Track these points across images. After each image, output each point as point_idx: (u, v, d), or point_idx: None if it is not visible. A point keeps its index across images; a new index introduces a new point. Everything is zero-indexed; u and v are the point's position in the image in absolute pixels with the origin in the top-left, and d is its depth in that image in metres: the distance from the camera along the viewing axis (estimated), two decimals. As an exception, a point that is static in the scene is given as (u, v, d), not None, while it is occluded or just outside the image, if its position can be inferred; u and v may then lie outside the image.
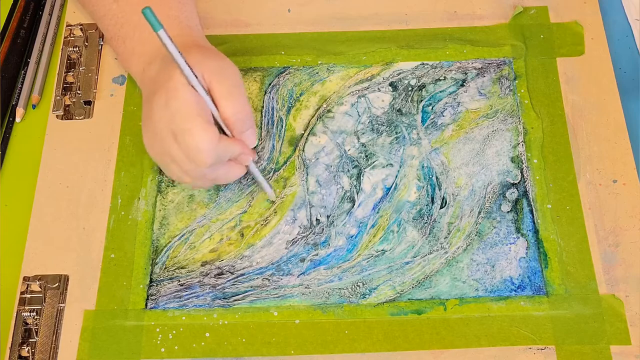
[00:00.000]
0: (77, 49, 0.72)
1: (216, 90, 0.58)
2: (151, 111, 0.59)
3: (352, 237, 0.64)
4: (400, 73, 0.71)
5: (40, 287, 0.62)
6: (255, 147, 0.64)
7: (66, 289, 0.62)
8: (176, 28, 0.63)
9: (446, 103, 0.69)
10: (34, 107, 0.71)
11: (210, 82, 0.58)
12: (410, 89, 0.70)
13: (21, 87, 0.71)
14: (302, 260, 0.63)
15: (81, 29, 0.73)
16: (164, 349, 0.60)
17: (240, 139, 0.60)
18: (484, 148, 0.67)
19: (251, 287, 0.62)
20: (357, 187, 0.66)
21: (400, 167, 0.67)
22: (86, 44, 0.73)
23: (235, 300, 0.61)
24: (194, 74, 0.56)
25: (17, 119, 0.70)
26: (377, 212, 0.65)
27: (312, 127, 0.69)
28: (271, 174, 0.67)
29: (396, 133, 0.68)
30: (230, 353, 0.60)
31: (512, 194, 0.65)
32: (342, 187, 0.66)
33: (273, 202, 0.65)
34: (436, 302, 0.61)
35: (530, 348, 0.59)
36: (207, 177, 0.61)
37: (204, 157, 0.57)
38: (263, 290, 0.62)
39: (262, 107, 0.70)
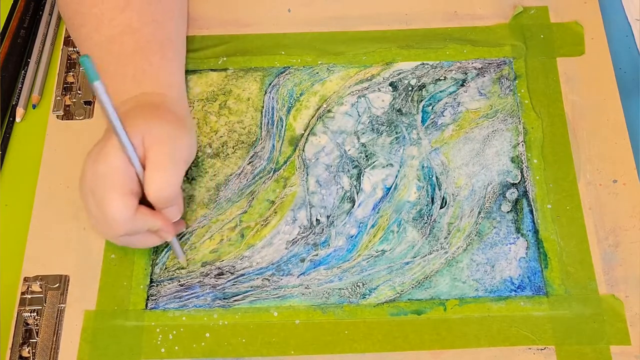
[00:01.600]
0: (77, 48, 0.72)
1: (150, 160, 0.56)
2: (84, 164, 0.58)
3: (352, 237, 0.64)
4: (400, 73, 0.71)
5: (40, 288, 0.62)
6: (182, 218, 0.63)
7: (67, 290, 0.62)
8: (149, 85, 0.62)
9: (446, 103, 0.69)
10: (34, 107, 0.71)
11: (148, 149, 0.56)
12: (410, 89, 0.70)
13: (21, 87, 0.71)
14: (302, 260, 0.63)
15: (81, 29, 0.73)
16: (164, 349, 0.60)
17: (163, 212, 0.59)
18: (484, 148, 0.67)
19: (251, 287, 0.62)
20: (357, 187, 0.66)
21: (400, 167, 0.67)
22: (86, 44, 0.73)
23: (236, 300, 0.62)
24: (128, 139, 0.54)
25: (17, 119, 0.70)
26: (377, 212, 0.65)
27: (312, 127, 0.69)
28: (271, 174, 0.67)
29: (396, 133, 0.68)
30: (230, 353, 0.60)
31: (512, 194, 0.65)
32: (342, 187, 0.66)
33: (183, 267, 0.64)
34: (436, 302, 0.61)
35: (530, 348, 0.59)
36: (120, 241, 0.60)
37: (116, 227, 0.56)
38: (263, 291, 0.62)
39: (262, 107, 0.70)
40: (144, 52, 0.63)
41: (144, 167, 0.56)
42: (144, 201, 0.58)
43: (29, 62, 0.73)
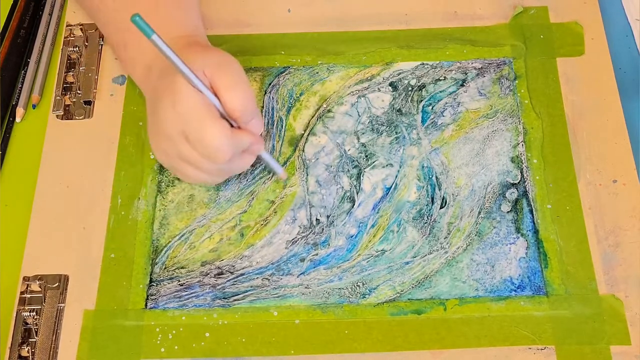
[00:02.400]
0: (77, 48, 0.72)
1: (218, 84, 0.58)
2: (158, 116, 0.59)
3: (352, 237, 0.64)
4: (400, 73, 0.71)
5: (40, 287, 0.62)
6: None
7: (66, 289, 0.62)
8: (175, 30, 0.63)
9: (446, 103, 0.69)
10: (34, 107, 0.71)
11: (212, 77, 0.58)
12: (410, 89, 0.70)
13: (21, 87, 0.71)
14: (302, 260, 0.63)
15: (81, 29, 0.73)
16: (163, 348, 0.60)
17: (247, 128, 0.60)
18: (484, 148, 0.67)
19: (251, 287, 0.62)
20: (357, 187, 0.66)
21: (400, 167, 0.67)
22: (86, 44, 0.73)
23: (235, 300, 0.61)
24: (193, 73, 0.56)
25: (17, 119, 0.70)
26: (377, 212, 0.65)
27: (312, 127, 0.69)
28: (271, 174, 0.67)
29: (396, 133, 0.68)
30: (230, 353, 0.60)
31: (512, 194, 0.65)
32: (342, 187, 0.66)
33: (285, 183, 0.66)
34: (436, 302, 0.61)
35: (530, 348, 0.59)
36: (223, 171, 0.62)
37: (221, 153, 0.57)
38: (263, 290, 0.62)
39: (262, 107, 0.70)
40: (163, 4, 0.65)
41: (215, 95, 0.58)
42: None
43: (29, 62, 0.73)
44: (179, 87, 0.57)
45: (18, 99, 0.71)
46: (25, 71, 0.72)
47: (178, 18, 0.65)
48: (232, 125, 0.59)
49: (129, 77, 0.71)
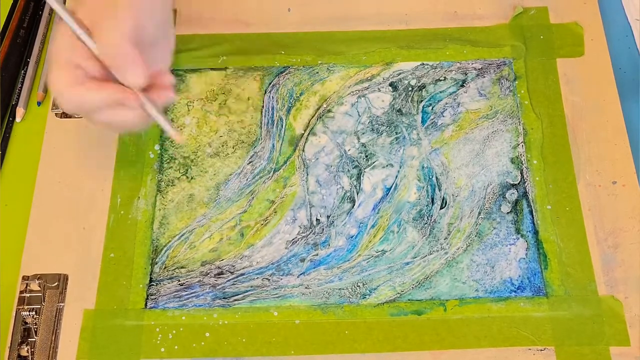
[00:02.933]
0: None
1: (95, 27, 0.53)
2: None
3: (352, 237, 0.64)
4: (400, 73, 0.71)
5: (39, 287, 0.61)
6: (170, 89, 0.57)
7: (65, 288, 0.62)
8: None
9: (446, 103, 0.69)
10: (39, 104, 0.70)
11: (92, 23, 0.53)
12: (410, 89, 0.70)
13: (21, 87, 0.71)
14: (302, 260, 0.63)
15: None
16: (163, 348, 0.60)
17: (124, 80, 0.53)
18: (484, 149, 0.67)
19: (251, 287, 0.62)
20: (357, 187, 0.66)
21: (400, 167, 0.67)
22: (86, 42, 0.72)
23: (235, 300, 0.61)
24: (66, 10, 0.52)
25: (17, 119, 0.70)
26: (377, 213, 0.65)
27: (312, 127, 0.69)
28: (271, 173, 0.67)
29: (396, 133, 0.68)
30: (230, 353, 0.60)
31: (512, 195, 0.65)
32: (342, 187, 0.66)
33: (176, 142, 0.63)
34: (436, 302, 0.61)
35: (529, 349, 0.59)
36: (95, 121, 0.55)
37: (61, 100, 0.53)
38: (263, 290, 0.62)
39: (262, 106, 0.70)
40: None
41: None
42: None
43: (29, 61, 0.72)
44: (59, 26, 0.53)
45: (18, 98, 0.71)
46: (25, 71, 0.72)
47: None
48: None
49: None
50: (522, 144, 0.67)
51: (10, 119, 0.70)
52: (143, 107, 0.54)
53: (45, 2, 0.76)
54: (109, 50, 0.52)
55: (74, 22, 0.53)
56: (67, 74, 0.52)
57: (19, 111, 0.70)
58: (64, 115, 0.69)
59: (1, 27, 0.74)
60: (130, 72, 0.53)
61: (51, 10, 0.75)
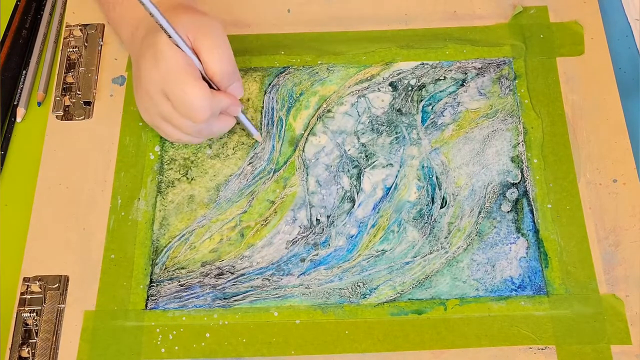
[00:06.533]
0: (76, 49, 0.72)
1: (200, 46, 0.59)
2: (140, 75, 0.61)
3: (352, 237, 0.64)
4: (400, 73, 0.71)
5: (40, 288, 0.62)
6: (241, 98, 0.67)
7: (66, 290, 0.62)
8: None
9: (446, 103, 0.69)
10: (39, 104, 0.71)
11: (194, 39, 0.59)
12: (410, 88, 0.70)
13: (22, 87, 0.71)
14: (303, 260, 0.63)
15: (81, 30, 0.73)
16: (164, 349, 0.60)
17: (228, 91, 0.62)
18: (484, 148, 0.67)
19: (251, 287, 0.62)
20: (357, 187, 0.66)
21: (400, 167, 0.67)
22: (86, 44, 0.73)
23: (236, 300, 0.61)
24: (176, 32, 0.57)
25: (18, 119, 0.70)
26: (378, 212, 0.65)
27: (312, 127, 0.69)
28: (271, 174, 0.67)
29: (396, 133, 0.68)
30: (230, 353, 0.59)
31: (512, 194, 0.65)
32: (342, 187, 0.66)
33: (259, 143, 0.68)
34: (436, 302, 0.61)
35: (530, 348, 0.59)
36: (202, 132, 0.63)
37: (200, 113, 0.59)
38: (263, 291, 0.62)
39: (262, 107, 0.70)
40: None
41: (197, 57, 0.60)
42: None
43: (30, 62, 0.73)
44: (162, 46, 0.58)
45: (19, 99, 0.71)
46: (27, 71, 0.72)
47: None
48: (212, 88, 0.61)
49: (129, 77, 0.71)
50: (522, 142, 0.67)
51: (12, 119, 0.70)
52: (237, 115, 0.65)
53: (46, 3, 0.76)
54: (221, 70, 0.60)
55: (188, 47, 0.59)
56: (204, 86, 0.59)
57: (20, 111, 0.70)
58: (65, 117, 0.69)
59: (3, 27, 0.74)
60: (236, 86, 0.62)
61: (52, 11, 0.75)
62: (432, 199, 0.65)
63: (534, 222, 0.64)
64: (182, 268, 0.63)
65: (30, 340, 0.60)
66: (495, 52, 0.72)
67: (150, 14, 0.56)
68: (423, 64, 0.71)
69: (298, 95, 0.70)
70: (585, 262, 0.62)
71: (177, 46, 0.58)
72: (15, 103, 0.71)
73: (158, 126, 0.64)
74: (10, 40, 0.73)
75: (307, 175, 0.66)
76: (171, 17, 0.58)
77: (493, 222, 0.64)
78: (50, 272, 0.62)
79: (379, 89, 0.70)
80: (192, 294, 0.62)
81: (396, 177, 0.66)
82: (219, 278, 0.62)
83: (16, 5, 0.76)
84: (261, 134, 0.68)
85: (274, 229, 0.64)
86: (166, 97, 0.59)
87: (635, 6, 0.73)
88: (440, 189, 0.66)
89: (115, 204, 0.65)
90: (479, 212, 0.64)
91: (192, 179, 0.66)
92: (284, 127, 0.69)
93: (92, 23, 0.73)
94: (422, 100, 0.70)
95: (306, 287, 0.62)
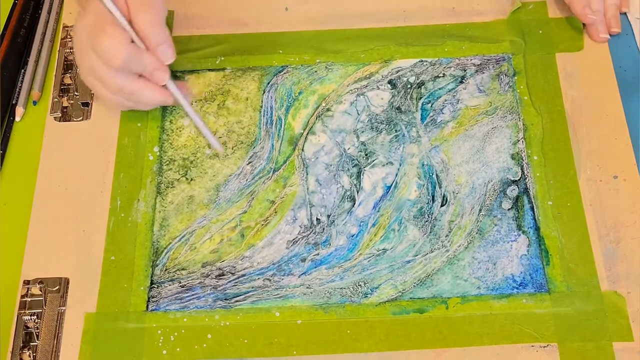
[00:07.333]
0: (74, 50, 0.72)
1: (131, 5, 0.61)
2: (76, 30, 0.64)
3: (353, 236, 0.64)
4: (399, 70, 0.71)
5: (40, 291, 0.61)
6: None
7: (67, 292, 0.62)
8: None
9: (445, 100, 0.69)
10: (34, 103, 0.70)
11: (129, 3, 0.61)
12: (409, 86, 0.70)
13: (21, 86, 0.71)
14: (303, 260, 0.63)
15: (78, 30, 0.73)
16: (165, 351, 0.59)
17: (159, 56, 0.63)
18: (484, 145, 0.67)
19: (252, 287, 0.62)
20: (358, 186, 0.66)
21: (400, 165, 0.66)
22: (83, 44, 0.72)
23: (237, 301, 0.61)
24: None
25: (17, 118, 0.70)
26: (378, 211, 0.65)
27: (312, 126, 0.68)
28: (271, 173, 0.66)
29: (396, 131, 0.68)
30: (232, 354, 0.59)
31: (512, 191, 0.65)
32: (342, 186, 0.66)
33: (217, 155, 0.67)
34: (438, 300, 0.61)
35: (532, 346, 0.59)
36: (124, 90, 0.63)
37: (114, 55, 0.60)
38: (264, 291, 0.62)
39: (261, 106, 0.69)
40: None
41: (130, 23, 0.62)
42: None
43: (29, 60, 0.72)
44: (92, 4, 0.61)
45: (18, 97, 0.71)
46: (25, 70, 0.72)
47: None
48: None
49: None
50: (522, 139, 0.67)
51: (11, 118, 0.70)
52: (165, 83, 0.64)
53: (44, 1, 0.75)
54: (148, 25, 0.61)
55: (116, 9, 0.61)
56: (122, 32, 0.61)
57: (19, 110, 0.70)
58: (63, 118, 0.69)
59: (1, 26, 0.74)
60: (164, 48, 0.63)
61: (50, 9, 0.75)
62: (433, 197, 0.65)
63: (535, 220, 0.64)
64: (183, 269, 0.63)
65: (31, 343, 0.60)
66: (495, 48, 0.72)
67: None
68: (422, 61, 0.71)
69: (297, 94, 0.70)
70: (587, 259, 0.62)
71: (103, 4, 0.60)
72: (14, 102, 0.71)
73: (89, 84, 0.65)
74: (9, 39, 0.73)
75: (307, 174, 0.66)
76: None
77: (494, 219, 0.64)
78: (51, 274, 0.62)
79: (378, 87, 0.70)
80: (193, 295, 0.62)
81: (396, 175, 0.66)
82: (220, 279, 0.62)
83: (14, 4, 0.75)
84: (259, 134, 0.68)
85: (274, 229, 0.64)
86: (91, 47, 0.61)
87: (635, 5, 0.73)
88: (440, 187, 0.65)
89: (115, 205, 0.65)
90: (480, 210, 0.64)
91: (191, 180, 0.66)
92: (283, 126, 0.69)
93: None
94: (421, 98, 0.69)
95: (307, 287, 0.62)
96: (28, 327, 0.61)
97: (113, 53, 0.60)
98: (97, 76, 0.63)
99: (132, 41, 0.62)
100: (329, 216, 0.64)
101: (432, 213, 0.64)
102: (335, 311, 0.61)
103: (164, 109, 0.69)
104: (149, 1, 0.62)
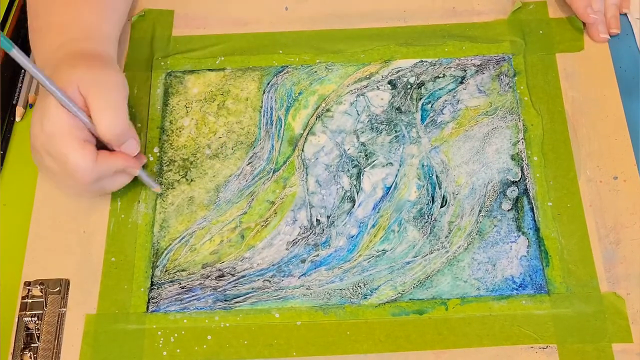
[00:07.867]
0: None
1: (91, 104, 0.58)
2: (31, 128, 0.59)
3: (352, 237, 0.64)
4: (399, 71, 0.71)
5: (41, 292, 0.62)
6: (143, 153, 0.66)
7: (67, 293, 0.62)
8: (75, 32, 0.64)
9: (445, 101, 0.69)
10: (30, 106, 0.70)
11: (87, 95, 0.58)
12: (409, 86, 0.70)
13: (21, 86, 0.71)
14: (303, 261, 0.63)
15: (78, 30, 0.73)
16: (165, 352, 0.60)
17: (121, 151, 0.61)
18: (484, 146, 0.67)
19: (252, 288, 0.62)
20: (357, 187, 0.66)
21: (400, 166, 0.66)
22: (83, 45, 0.72)
23: (237, 302, 0.61)
24: (61, 91, 0.56)
25: (17, 118, 0.70)
26: (378, 212, 0.65)
27: (311, 127, 0.68)
28: (271, 174, 0.66)
29: (396, 132, 0.68)
30: (232, 355, 0.60)
31: (512, 192, 0.65)
32: (342, 187, 0.66)
33: (159, 194, 0.66)
34: (437, 301, 0.61)
35: (532, 347, 0.59)
36: (90, 190, 0.62)
37: (83, 177, 0.58)
38: (264, 292, 0.62)
39: (261, 106, 0.69)
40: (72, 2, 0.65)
41: (88, 116, 0.58)
42: (100, 147, 0.60)
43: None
44: (48, 104, 0.57)
45: (18, 98, 0.71)
46: (25, 70, 0.72)
47: (85, 18, 0.65)
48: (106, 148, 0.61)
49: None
50: (522, 140, 0.67)
51: (11, 118, 0.70)
52: (137, 174, 0.63)
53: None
54: (111, 129, 0.59)
55: (76, 107, 0.57)
56: (87, 149, 0.57)
57: (19, 110, 0.70)
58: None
59: (1, 26, 0.74)
60: (129, 145, 0.61)
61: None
62: (432, 198, 0.65)
63: (535, 221, 0.64)
64: (183, 270, 0.63)
65: (32, 345, 0.60)
66: (495, 48, 0.71)
67: (30, 72, 0.55)
68: (422, 61, 0.71)
69: (297, 94, 0.70)
70: (586, 260, 0.62)
71: (64, 105, 0.57)
72: (14, 102, 0.71)
73: (47, 176, 0.63)
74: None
75: (307, 175, 0.66)
76: (67, 69, 0.58)
77: (493, 220, 0.64)
78: (51, 275, 0.62)
79: (378, 87, 0.70)
80: (193, 296, 0.62)
81: (396, 176, 0.66)
82: (220, 280, 0.62)
83: (13, 3, 0.75)
84: (259, 134, 0.68)
85: (274, 230, 0.64)
86: (52, 157, 0.58)
87: (635, 5, 0.73)
88: (440, 188, 0.65)
89: (115, 206, 0.65)
90: (480, 211, 0.64)
91: (191, 180, 0.66)
92: (282, 126, 0.69)
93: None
94: (421, 98, 0.69)
95: (307, 288, 0.62)
96: (29, 329, 0.61)
97: (81, 175, 0.58)
98: (61, 182, 0.61)
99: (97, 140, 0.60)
100: (328, 217, 0.65)
101: (432, 214, 0.64)
102: (334, 312, 0.61)
103: (164, 109, 0.69)
104: (111, 100, 0.59)
